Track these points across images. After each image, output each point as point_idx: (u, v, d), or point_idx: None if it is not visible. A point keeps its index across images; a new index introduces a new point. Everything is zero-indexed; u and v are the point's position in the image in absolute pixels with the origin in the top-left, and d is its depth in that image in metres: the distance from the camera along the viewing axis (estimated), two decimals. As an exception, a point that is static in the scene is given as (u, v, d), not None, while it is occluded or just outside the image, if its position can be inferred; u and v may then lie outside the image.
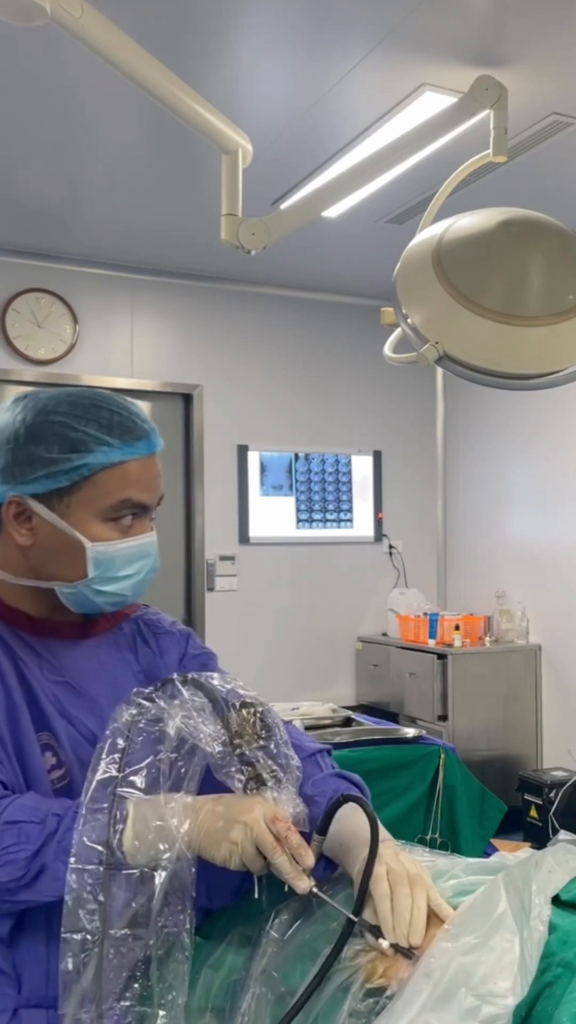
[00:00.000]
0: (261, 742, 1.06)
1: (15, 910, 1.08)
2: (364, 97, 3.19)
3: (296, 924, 1.04)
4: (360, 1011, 0.91)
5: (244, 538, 5.36)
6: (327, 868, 1.12)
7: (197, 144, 2.87)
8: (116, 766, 1.02)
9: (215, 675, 1.12)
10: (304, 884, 0.99)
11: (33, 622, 1.20)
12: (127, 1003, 0.97)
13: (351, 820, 1.08)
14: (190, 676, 1.10)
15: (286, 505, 5.53)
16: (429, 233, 1.64)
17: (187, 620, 5.27)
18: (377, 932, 0.96)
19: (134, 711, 1.06)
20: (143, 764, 1.02)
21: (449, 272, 1.54)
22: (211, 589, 5.26)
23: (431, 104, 3.17)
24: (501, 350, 1.51)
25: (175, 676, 1.11)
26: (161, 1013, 0.97)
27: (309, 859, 1.01)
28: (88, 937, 0.96)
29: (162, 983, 0.98)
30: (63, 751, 1.15)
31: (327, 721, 3.49)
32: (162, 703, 1.07)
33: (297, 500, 5.56)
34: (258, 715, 1.07)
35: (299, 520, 5.55)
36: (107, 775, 1.01)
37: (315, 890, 1.00)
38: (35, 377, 4.88)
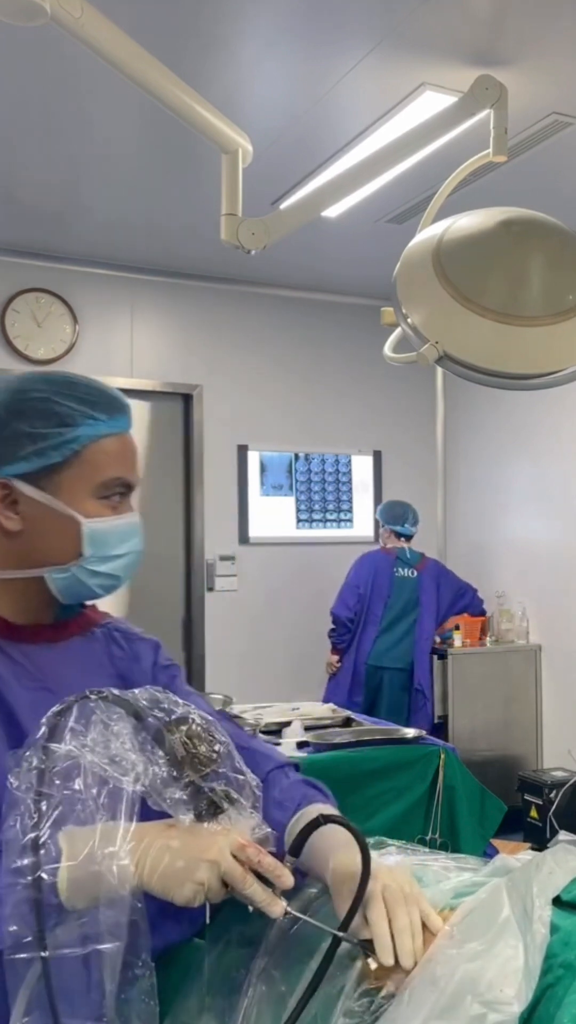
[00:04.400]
0: (211, 767, 0.94)
1: None
2: (364, 97, 3.18)
3: (297, 924, 1.04)
4: (355, 1011, 0.90)
5: (244, 538, 5.35)
6: (303, 878, 1.07)
7: (197, 144, 2.86)
8: (30, 815, 0.87)
9: (136, 690, 0.99)
10: (279, 909, 0.93)
11: (8, 626, 1.13)
12: None
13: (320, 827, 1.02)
14: (108, 692, 0.96)
15: (286, 505, 5.53)
16: (429, 233, 1.63)
17: (187, 620, 5.27)
18: (368, 948, 0.94)
19: (40, 758, 0.90)
20: (66, 804, 0.88)
21: (449, 272, 1.54)
22: (211, 589, 5.26)
23: (431, 104, 3.17)
24: (501, 350, 1.51)
25: (89, 692, 0.95)
26: None
27: (288, 880, 0.94)
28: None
29: None
30: None
31: (327, 721, 3.48)
32: (70, 743, 0.91)
33: (297, 500, 5.56)
34: (197, 730, 0.95)
35: (299, 520, 5.55)
36: (23, 825, 0.87)
37: (289, 910, 0.94)
38: (35, 377, 4.87)
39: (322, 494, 5.62)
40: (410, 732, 3.29)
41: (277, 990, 0.99)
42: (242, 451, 5.37)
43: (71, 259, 4.86)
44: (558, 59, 2.95)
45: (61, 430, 1.10)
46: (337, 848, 1.01)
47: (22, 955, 0.83)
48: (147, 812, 0.93)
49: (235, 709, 3.47)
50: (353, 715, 3.60)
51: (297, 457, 5.56)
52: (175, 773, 0.92)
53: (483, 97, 1.84)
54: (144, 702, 0.96)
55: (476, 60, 2.92)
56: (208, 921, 0.99)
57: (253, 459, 5.42)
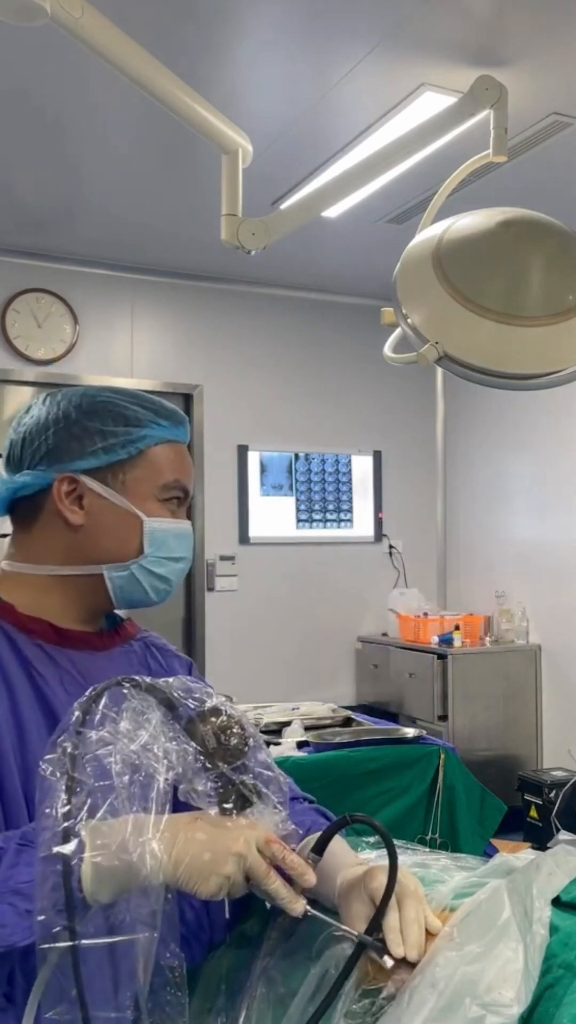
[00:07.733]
0: (241, 759, 0.93)
1: None
2: (364, 97, 3.19)
3: (298, 924, 1.04)
4: (356, 1012, 0.90)
5: (244, 538, 5.35)
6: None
7: (197, 144, 2.86)
8: (63, 802, 0.85)
9: (169, 679, 0.98)
10: (300, 907, 0.93)
11: (56, 631, 1.15)
12: None
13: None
14: (140, 680, 0.95)
15: (286, 505, 5.53)
16: (429, 233, 1.63)
17: (187, 620, 5.27)
18: (380, 949, 0.94)
19: (74, 743, 0.88)
20: (97, 793, 0.87)
21: (449, 272, 1.54)
22: (211, 589, 5.26)
23: (431, 104, 3.17)
24: (501, 350, 1.51)
25: (121, 679, 0.94)
26: None
27: (311, 878, 0.94)
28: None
29: None
30: None
31: (327, 721, 3.48)
32: (103, 729, 0.90)
33: (297, 500, 5.56)
34: (229, 722, 0.94)
35: (299, 520, 5.55)
36: (52, 811, 0.85)
37: (309, 909, 0.95)
38: (35, 377, 4.88)
39: (322, 494, 5.62)
40: (410, 732, 3.29)
41: (277, 992, 0.99)
42: (242, 451, 5.37)
43: (71, 259, 4.87)
44: (558, 59, 2.95)
45: (129, 429, 1.16)
46: (345, 858, 1.02)
47: (54, 945, 0.82)
48: (173, 804, 0.92)
49: (235, 709, 3.47)
50: (353, 715, 3.60)
51: (297, 457, 5.56)
52: (207, 764, 0.92)
53: (483, 97, 1.84)
54: (177, 692, 0.95)
55: (476, 60, 2.92)
56: (229, 912, 1.00)
57: (253, 459, 5.42)
